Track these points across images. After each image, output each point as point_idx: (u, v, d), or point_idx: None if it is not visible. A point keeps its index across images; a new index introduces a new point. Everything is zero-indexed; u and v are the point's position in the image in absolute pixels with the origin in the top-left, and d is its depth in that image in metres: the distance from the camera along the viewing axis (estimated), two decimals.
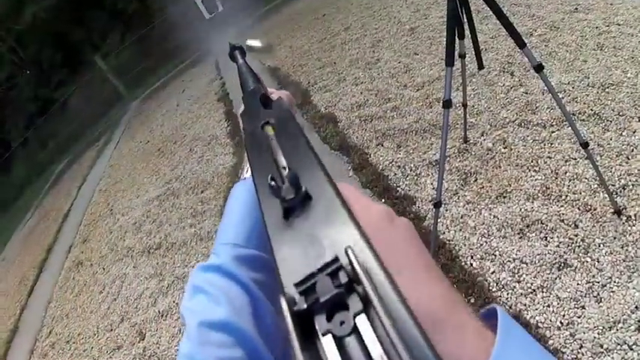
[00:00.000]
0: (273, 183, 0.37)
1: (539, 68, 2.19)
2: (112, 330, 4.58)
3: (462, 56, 2.75)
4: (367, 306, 0.26)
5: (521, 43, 2.13)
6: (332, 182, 0.38)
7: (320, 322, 0.26)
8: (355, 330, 0.25)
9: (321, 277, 0.28)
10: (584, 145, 2.39)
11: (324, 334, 0.26)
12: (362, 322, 0.25)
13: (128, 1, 19.85)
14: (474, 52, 2.59)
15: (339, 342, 0.25)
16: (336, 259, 0.29)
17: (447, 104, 2.31)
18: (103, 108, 18.21)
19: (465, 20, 2.32)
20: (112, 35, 20.52)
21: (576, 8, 4.57)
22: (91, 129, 17.30)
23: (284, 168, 0.41)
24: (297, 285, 0.29)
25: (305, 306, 0.27)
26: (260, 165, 0.46)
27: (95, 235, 7.07)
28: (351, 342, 0.25)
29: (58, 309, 5.83)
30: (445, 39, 2.22)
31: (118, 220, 6.91)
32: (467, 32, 2.42)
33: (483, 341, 0.33)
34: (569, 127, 2.44)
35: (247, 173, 0.77)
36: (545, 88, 2.29)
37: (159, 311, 4.29)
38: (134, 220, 6.40)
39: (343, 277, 0.28)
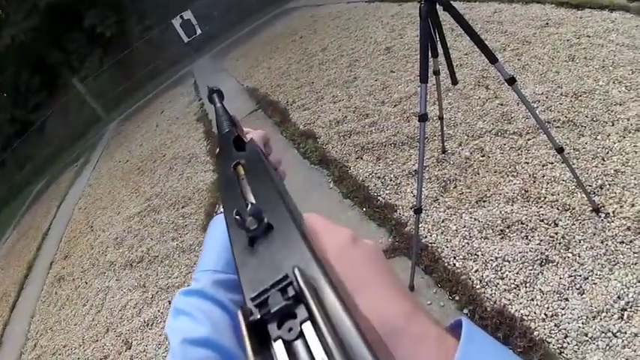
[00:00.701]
0: (237, 217, 0.41)
1: (511, 81, 2.26)
2: (97, 340, 4.52)
3: (437, 73, 2.84)
4: (312, 314, 0.29)
5: (492, 59, 2.20)
6: (292, 213, 0.42)
7: (272, 330, 0.30)
8: (301, 335, 0.29)
9: (273, 292, 0.32)
10: (560, 150, 2.47)
11: (275, 340, 0.29)
12: (307, 329, 0.29)
13: (107, 24, 19.82)
14: (447, 69, 2.67)
15: (288, 346, 0.29)
16: (285, 277, 0.33)
17: (423, 118, 2.36)
18: (81, 130, 18.19)
19: (438, 39, 2.41)
20: (90, 58, 20.46)
21: (547, 23, 4.73)
22: (69, 150, 17.22)
23: (249, 203, 0.44)
24: (252, 299, 0.33)
25: (258, 316, 0.31)
26: (230, 201, 0.51)
27: (76, 250, 6.98)
28: (298, 346, 0.29)
29: (41, 323, 5.72)
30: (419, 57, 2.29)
31: (99, 236, 6.83)
32: (440, 50, 2.52)
33: (443, 346, 0.36)
34: (545, 134, 2.51)
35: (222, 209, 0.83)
36: (520, 99, 2.37)
37: (144, 321, 4.25)
38: (115, 236, 6.33)
39: (291, 291, 0.31)
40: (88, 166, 11.97)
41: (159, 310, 4.25)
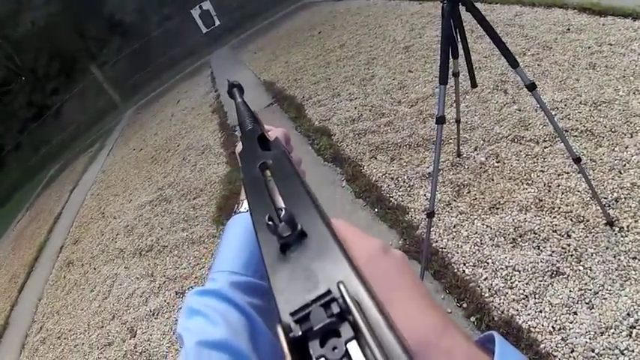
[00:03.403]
0: (270, 223, 0.39)
1: (531, 87, 2.23)
2: (102, 327, 4.57)
3: (456, 75, 2.79)
4: (357, 333, 0.28)
5: (513, 63, 2.17)
6: (326, 220, 0.40)
7: (314, 348, 0.28)
8: (347, 354, 0.27)
9: (315, 308, 0.30)
10: (577, 160, 2.43)
11: (317, 359, 0.28)
12: (353, 348, 0.27)
13: (126, 12, 19.92)
14: (467, 71, 2.65)
15: None
16: (328, 292, 0.31)
17: (441, 120, 2.34)
18: (97, 116, 18.33)
19: (459, 40, 2.37)
20: (108, 45, 20.59)
21: (568, 29, 4.67)
22: (84, 136, 17.34)
23: (280, 209, 0.43)
24: (292, 314, 0.31)
25: (300, 333, 0.29)
26: (258, 204, 0.48)
27: (86, 236, 7.04)
28: None
29: (48, 306, 5.80)
30: (439, 58, 2.26)
31: (110, 222, 6.88)
32: (460, 52, 2.48)
33: None
34: (562, 143, 2.47)
35: (242, 208, 0.80)
36: (538, 105, 2.33)
37: (150, 310, 4.28)
38: (126, 223, 6.37)
39: (335, 308, 0.30)
40: (103, 153, 12.07)
41: (165, 300, 4.27)
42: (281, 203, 0.46)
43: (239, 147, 0.75)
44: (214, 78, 11.62)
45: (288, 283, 0.35)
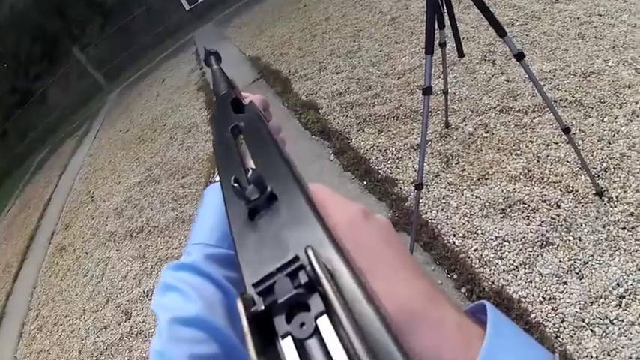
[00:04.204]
0: (236, 185, 0.36)
1: (520, 56, 2.20)
2: (98, 310, 4.59)
3: (443, 45, 2.77)
4: (329, 306, 0.24)
5: (501, 33, 2.14)
6: (299, 183, 0.36)
7: (279, 324, 0.25)
8: (316, 331, 0.24)
9: (280, 278, 0.27)
10: (566, 130, 2.41)
11: (283, 336, 0.25)
12: (324, 324, 0.24)
13: None
14: (454, 41, 2.60)
15: (300, 344, 0.24)
16: (296, 258, 0.28)
17: (427, 91, 2.31)
18: (82, 99, 18.20)
19: (445, 10, 2.34)
20: (90, 26, 20.29)
21: None
22: (70, 120, 17.22)
23: (249, 169, 0.39)
24: (255, 285, 0.28)
25: (262, 307, 0.26)
26: (227, 168, 0.45)
27: (77, 221, 7.04)
28: (312, 344, 0.24)
29: (43, 293, 5.81)
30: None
31: (100, 206, 6.89)
32: (447, 22, 2.46)
33: (466, 334, 0.32)
34: (551, 113, 2.46)
35: (218, 177, 0.76)
36: (527, 75, 2.31)
37: (144, 291, 4.32)
38: (115, 206, 6.38)
39: (303, 277, 0.26)
40: (89, 136, 12.05)
41: (158, 281, 4.23)
42: (251, 165, 0.42)
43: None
44: (199, 55, 11.48)
45: (256, 252, 0.32)
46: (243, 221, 0.35)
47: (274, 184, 0.36)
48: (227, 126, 0.52)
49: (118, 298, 4.52)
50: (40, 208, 9.04)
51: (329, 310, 0.24)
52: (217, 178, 0.75)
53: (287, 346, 0.24)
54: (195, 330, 0.53)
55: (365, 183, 3.64)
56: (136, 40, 18.07)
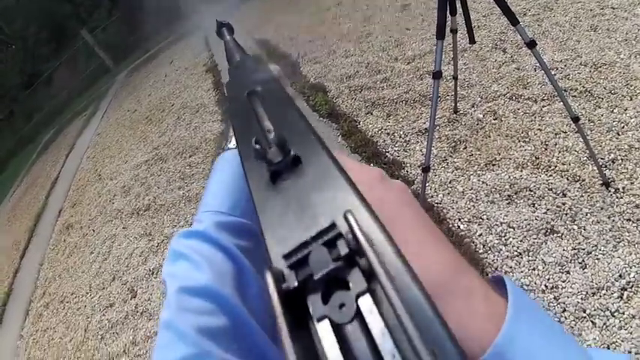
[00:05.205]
0: (257, 146, 0.33)
1: (531, 44, 2.19)
2: (104, 288, 4.61)
3: (454, 31, 2.74)
4: (372, 284, 0.22)
5: (514, 21, 2.13)
6: (324, 145, 0.35)
7: (314, 305, 0.22)
8: (358, 314, 0.21)
9: (316, 248, 0.24)
10: (575, 119, 2.39)
11: (319, 320, 0.21)
12: (366, 305, 0.21)
13: None
14: (465, 28, 2.59)
15: (338, 330, 0.21)
16: (333, 226, 0.25)
17: (437, 75, 2.31)
18: (90, 81, 18.29)
19: None
20: (98, 9, 20.24)
21: None
22: (77, 101, 17.23)
23: (269, 131, 0.37)
24: (286, 257, 0.25)
25: (296, 284, 0.23)
26: (245, 131, 0.43)
27: (84, 199, 7.06)
28: (352, 329, 0.21)
29: (50, 271, 5.83)
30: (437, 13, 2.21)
31: (107, 184, 6.89)
32: (459, 9, 2.43)
33: (493, 306, 0.32)
34: (561, 102, 2.46)
35: (231, 144, 0.73)
36: (538, 64, 2.30)
37: (149, 269, 4.34)
38: (123, 184, 6.40)
39: (343, 248, 0.23)
40: (97, 116, 12.03)
41: (164, 259, 4.24)
42: (270, 127, 0.39)
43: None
44: (207, 38, 11.47)
45: (281, 218, 0.29)
46: (265, 185, 0.33)
47: (297, 146, 0.34)
48: (243, 90, 0.50)
49: (124, 275, 4.53)
50: (47, 187, 9.03)
51: (371, 289, 0.22)
52: (230, 145, 0.74)
53: (324, 331, 0.21)
54: (204, 301, 0.51)
55: (372, 165, 3.63)
56: (144, 22, 18.02)
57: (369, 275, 0.22)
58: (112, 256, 5.00)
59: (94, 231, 5.84)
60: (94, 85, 17.65)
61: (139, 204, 5.55)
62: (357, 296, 0.21)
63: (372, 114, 4.27)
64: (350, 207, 0.26)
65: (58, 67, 19.24)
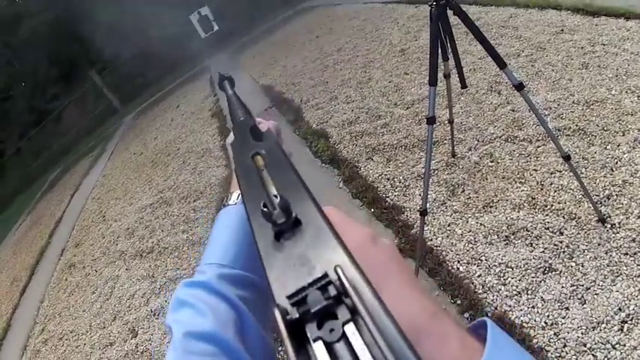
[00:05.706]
0: (265, 209, 0.40)
1: (519, 87, 2.28)
2: (104, 327, 4.59)
3: (447, 76, 2.84)
4: (355, 316, 0.29)
5: (501, 64, 2.22)
6: (320, 209, 0.41)
7: (311, 330, 0.29)
8: (344, 336, 0.28)
9: (312, 291, 0.31)
10: (567, 157, 2.46)
11: (314, 340, 0.28)
12: (350, 330, 0.28)
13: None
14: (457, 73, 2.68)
15: (329, 347, 0.28)
16: (325, 275, 0.32)
17: (431, 120, 2.41)
18: (98, 121, 18.45)
19: (448, 42, 2.43)
20: (107, 52, 20.59)
21: (562, 29, 4.70)
22: (84, 141, 17.41)
23: (275, 196, 0.43)
24: (289, 297, 0.32)
25: (297, 315, 0.30)
26: (251, 193, 0.49)
27: (88, 239, 7.07)
28: (340, 348, 0.28)
29: (50, 308, 5.82)
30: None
31: (111, 225, 6.91)
32: (451, 54, 2.53)
33: (467, 349, 0.35)
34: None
35: (231, 201, 0.79)
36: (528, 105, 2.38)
37: (151, 310, 4.32)
38: (127, 226, 6.41)
39: (332, 291, 0.31)
40: (103, 157, 12.11)
41: (166, 301, 4.30)
42: (275, 192, 0.46)
43: (229, 138, 0.76)
44: (213, 83, 11.61)
45: (284, 270, 0.35)
46: (269, 242, 0.39)
47: (297, 209, 0.40)
48: (247, 153, 0.56)
49: (125, 315, 4.53)
50: (51, 225, 9.08)
51: (354, 319, 0.29)
52: (230, 202, 0.79)
53: (318, 349, 0.28)
54: (208, 345, 0.55)
55: (373, 210, 3.69)
56: (152, 66, 18.34)
57: (352, 310, 0.29)
58: (113, 296, 5.00)
59: (96, 271, 5.85)
60: (101, 125, 17.89)
61: (143, 246, 5.56)
62: (344, 324, 0.29)
63: (372, 159, 4.34)
64: (339, 262, 0.33)
65: (67, 105, 19.38)
